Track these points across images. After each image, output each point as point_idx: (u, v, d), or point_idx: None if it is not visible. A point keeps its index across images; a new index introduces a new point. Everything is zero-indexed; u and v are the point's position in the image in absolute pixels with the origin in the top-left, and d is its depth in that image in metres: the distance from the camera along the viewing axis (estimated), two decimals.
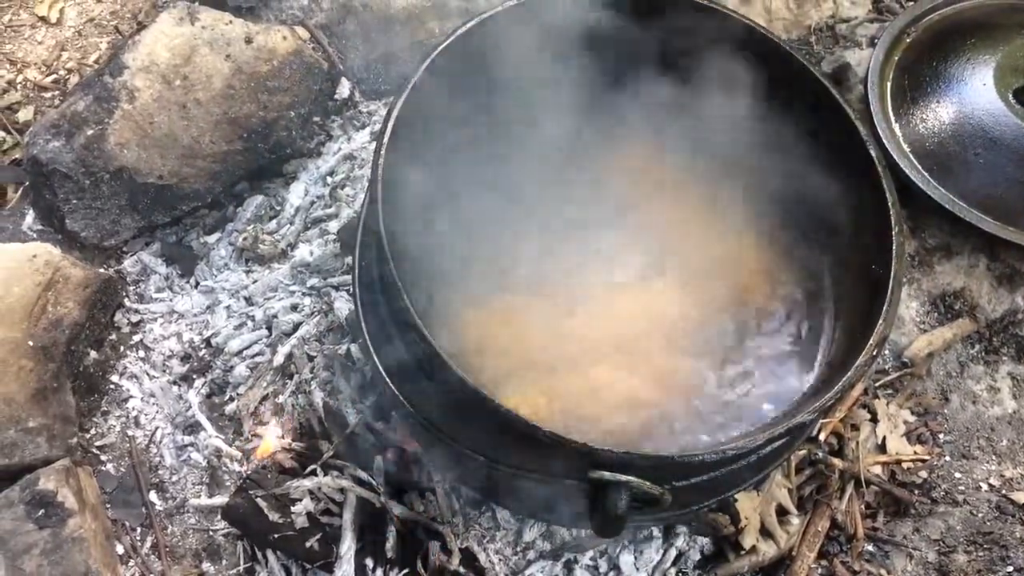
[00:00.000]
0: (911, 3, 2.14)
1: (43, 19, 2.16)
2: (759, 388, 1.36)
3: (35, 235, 1.76)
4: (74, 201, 1.73)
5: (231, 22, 1.84)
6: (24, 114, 2.03)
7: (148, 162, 1.74)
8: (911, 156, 1.81)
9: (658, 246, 1.41)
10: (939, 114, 1.82)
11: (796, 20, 2.09)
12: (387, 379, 1.28)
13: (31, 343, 1.57)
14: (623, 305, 1.33)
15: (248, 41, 1.82)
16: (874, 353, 1.15)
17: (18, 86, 2.07)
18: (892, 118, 1.86)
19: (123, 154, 1.73)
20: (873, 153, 1.27)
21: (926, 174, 1.79)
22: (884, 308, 1.17)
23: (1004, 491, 1.69)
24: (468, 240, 1.34)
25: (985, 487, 1.70)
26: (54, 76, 2.09)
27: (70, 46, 2.13)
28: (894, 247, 1.20)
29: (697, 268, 1.40)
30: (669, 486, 1.09)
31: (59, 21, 2.16)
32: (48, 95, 2.07)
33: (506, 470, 1.18)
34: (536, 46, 1.37)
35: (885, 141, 1.81)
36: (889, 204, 1.24)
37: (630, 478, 1.05)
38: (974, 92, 1.81)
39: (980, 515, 1.65)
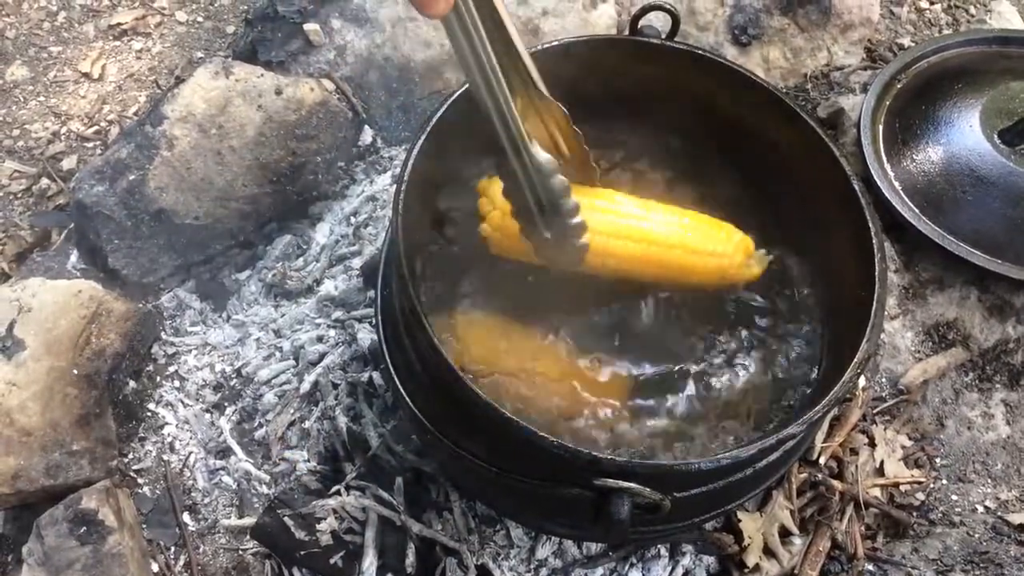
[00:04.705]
0: (901, 51, 2.25)
1: (86, 75, 2.30)
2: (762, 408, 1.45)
3: (79, 273, 1.87)
4: (116, 241, 1.85)
5: (262, 75, 1.97)
6: (68, 163, 2.17)
7: (185, 204, 1.86)
8: (903, 194, 1.91)
9: None
10: (929, 155, 1.92)
11: (792, 68, 2.20)
12: (408, 401, 1.37)
13: (76, 372, 1.68)
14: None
15: (278, 93, 1.94)
16: (858, 371, 1.23)
17: (62, 137, 2.21)
18: (884, 159, 1.95)
19: (162, 197, 1.85)
20: (856, 186, 1.36)
21: (917, 211, 1.88)
22: (868, 329, 1.25)
23: (999, 513, 1.75)
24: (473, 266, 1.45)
25: (981, 509, 1.76)
26: (96, 127, 2.23)
27: (111, 99, 2.27)
28: (876, 272, 1.29)
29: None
30: (670, 496, 1.17)
31: (101, 76, 2.30)
32: (90, 145, 2.20)
33: (518, 481, 1.27)
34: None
35: (878, 180, 1.90)
36: (872, 233, 1.32)
37: (631, 485, 1.13)
38: (961, 134, 1.90)
39: (976, 536, 1.71)
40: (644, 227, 1.37)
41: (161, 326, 1.89)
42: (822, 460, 1.72)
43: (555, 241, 1.30)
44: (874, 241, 1.32)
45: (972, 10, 2.47)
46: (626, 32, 1.52)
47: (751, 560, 1.62)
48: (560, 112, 1.29)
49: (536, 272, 1.41)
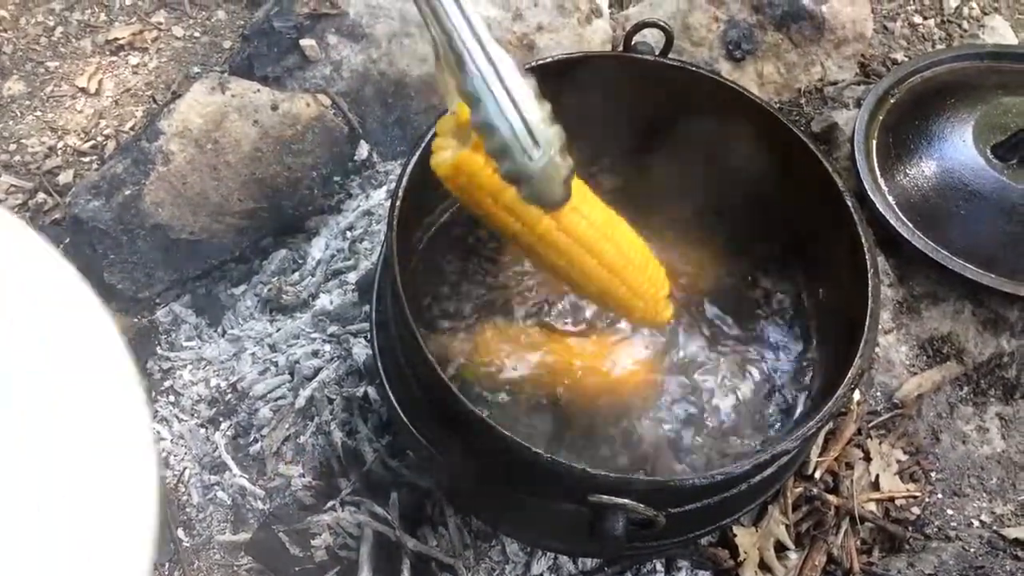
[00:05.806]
0: (895, 66, 2.27)
1: (83, 90, 2.30)
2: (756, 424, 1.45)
3: None
4: (112, 256, 1.85)
5: (259, 91, 1.97)
6: (64, 177, 2.16)
7: (181, 219, 1.86)
8: (896, 209, 1.91)
9: None
10: (922, 169, 1.92)
11: (786, 83, 2.21)
12: (403, 416, 1.38)
13: None
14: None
15: (274, 108, 1.95)
16: (853, 385, 1.24)
17: (59, 152, 2.21)
18: (878, 174, 1.96)
19: (158, 212, 1.85)
20: (849, 201, 1.37)
21: (911, 226, 1.89)
22: (862, 344, 1.26)
23: (995, 527, 1.75)
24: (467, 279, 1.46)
25: (976, 523, 1.76)
26: (92, 142, 2.23)
27: (108, 114, 2.27)
28: (870, 287, 1.29)
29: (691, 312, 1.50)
30: (665, 512, 1.17)
31: (98, 91, 2.30)
32: (86, 160, 2.20)
33: (513, 497, 1.27)
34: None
35: (871, 195, 1.91)
36: (865, 248, 1.33)
37: (626, 501, 1.13)
38: (955, 149, 1.91)
39: (972, 550, 1.71)
40: (616, 224, 1.29)
41: (156, 341, 1.88)
42: (817, 474, 1.72)
43: (540, 164, 1.11)
44: (867, 256, 1.32)
45: (965, 25, 2.48)
46: (620, 48, 1.53)
47: (747, 575, 1.62)
48: None
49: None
